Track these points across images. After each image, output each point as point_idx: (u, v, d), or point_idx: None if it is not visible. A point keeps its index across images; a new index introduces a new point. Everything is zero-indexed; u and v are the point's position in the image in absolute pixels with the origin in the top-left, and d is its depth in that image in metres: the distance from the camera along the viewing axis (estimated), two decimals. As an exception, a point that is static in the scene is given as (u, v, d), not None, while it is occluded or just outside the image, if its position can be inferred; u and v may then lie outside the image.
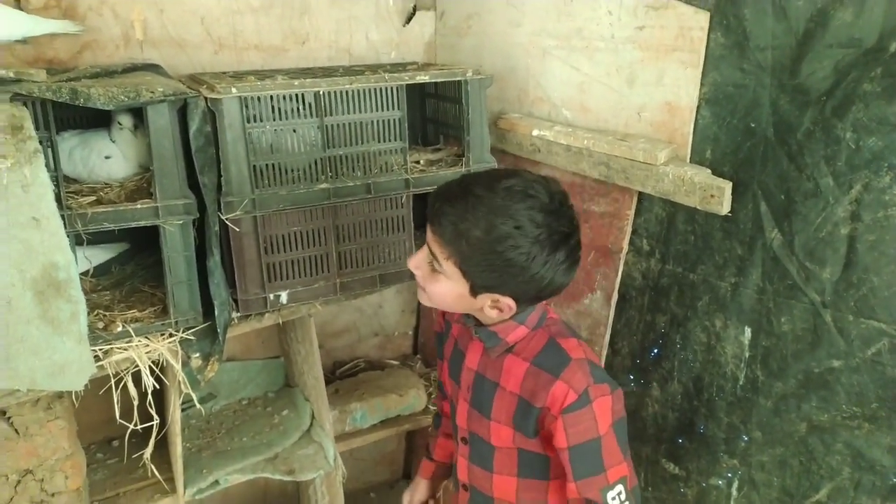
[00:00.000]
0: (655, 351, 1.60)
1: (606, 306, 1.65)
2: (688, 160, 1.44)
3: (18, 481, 1.34)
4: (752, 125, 1.33)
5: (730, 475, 1.50)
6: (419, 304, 2.06)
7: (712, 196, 1.35)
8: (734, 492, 1.50)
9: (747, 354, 1.42)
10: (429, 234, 1.09)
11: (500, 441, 1.19)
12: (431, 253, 1.10)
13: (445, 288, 1.10)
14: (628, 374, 1.67)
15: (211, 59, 1.69)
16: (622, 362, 1.68)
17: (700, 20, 1.35)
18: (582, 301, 1.70)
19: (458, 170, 1.60)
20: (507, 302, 1.09)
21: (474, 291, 1.08)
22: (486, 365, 1.19)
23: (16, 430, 1.30)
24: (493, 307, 1.10)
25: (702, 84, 1.38)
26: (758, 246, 1.36)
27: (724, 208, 1.35)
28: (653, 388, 1.62)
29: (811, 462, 1.36)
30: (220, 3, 1.67)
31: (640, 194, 1.54)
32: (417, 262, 1.13)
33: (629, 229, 1.58)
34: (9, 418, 1.29)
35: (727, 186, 1.34)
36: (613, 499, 1.11)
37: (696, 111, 1.41)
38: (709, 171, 1.39)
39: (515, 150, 1.74)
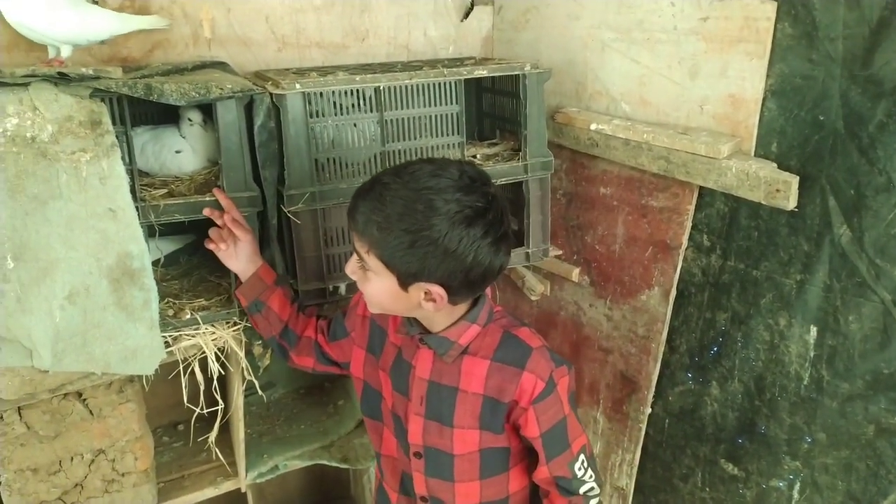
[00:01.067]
0: (715, 349, 1.57)
1: (664, 303, 1.62)
2: (752, 154, 1.41)
3: (92, 460, 1.41)
4: (821, 118, 1.29)
5: (791, 477, 1.46)
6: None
7: (778, 191, 1.31)
8: (795, 494, 1.47)
9: (812, 354, 1.38)
10: (352, 234, 1.08)
11: (464, 447, 1.15)
12: (357, 252, 1.08)
13: (377, 286, 1.07)
14: (686, 372, 1.64)
15: (275, 56, 1.73)
16: (680, 360, 1.65)
17: (767, 10, 1.32)
18: (639, 297, 1.68)
19: (514, 164, 1.59)
20: (438, 291, 1.04)
21: (403, 283, 1.05)
22: (441, 371, 1.15)
23: (90, 412, 1.37)
24: (428, 299, 1.06)
25: (768, 76, 1.35)
26: (825, 242, 1.32)
27: (791, 203, 1.31)
28: (712, 386, 1.59)
29: (879, 466, 1.31)
30: (284, 2, 1.70)
31: (701, 189, 1.51)
32: (352, 268, 1.11)
33: (689, 224, 1.55)
34: (84, 400, 1.36)
35: (794, 181, 1.30)
36: (579, 469, 1.15)
37: (762, 104, 1.37)
38: (774, 165, 1.36)
39: (573, 144, 1.72)
